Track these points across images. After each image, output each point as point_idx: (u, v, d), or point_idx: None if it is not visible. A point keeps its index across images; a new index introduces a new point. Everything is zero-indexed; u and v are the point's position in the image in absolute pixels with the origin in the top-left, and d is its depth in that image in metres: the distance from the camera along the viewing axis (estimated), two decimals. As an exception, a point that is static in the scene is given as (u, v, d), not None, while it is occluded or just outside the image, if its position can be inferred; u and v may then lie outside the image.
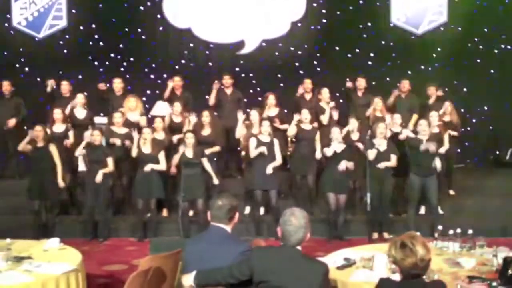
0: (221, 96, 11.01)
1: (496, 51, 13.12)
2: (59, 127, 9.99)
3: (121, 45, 13.09)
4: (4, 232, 8.34)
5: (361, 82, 10.99)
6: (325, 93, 10.59)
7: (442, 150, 9.15)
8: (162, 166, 9.37)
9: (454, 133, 10.20)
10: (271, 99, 10.47)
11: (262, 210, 9.68)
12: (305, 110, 9.89)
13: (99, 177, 9.15)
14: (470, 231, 5.75)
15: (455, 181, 10.86)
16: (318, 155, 9.43)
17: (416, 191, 8.93)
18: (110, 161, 9.29)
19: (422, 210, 9.60)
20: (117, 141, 9.69)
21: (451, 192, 10.39)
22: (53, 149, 9.20)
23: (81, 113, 10.34)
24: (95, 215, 9.39)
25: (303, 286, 3.88)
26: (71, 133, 10.02)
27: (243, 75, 12.73)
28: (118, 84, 10.94)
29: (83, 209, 9.62)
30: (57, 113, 10.00)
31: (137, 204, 9.39)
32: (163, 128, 9.93)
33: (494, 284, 4.48)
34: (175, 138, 10.03)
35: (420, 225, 8.78)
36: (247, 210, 9.86)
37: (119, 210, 10.13)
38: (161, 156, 9.39)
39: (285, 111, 10.83)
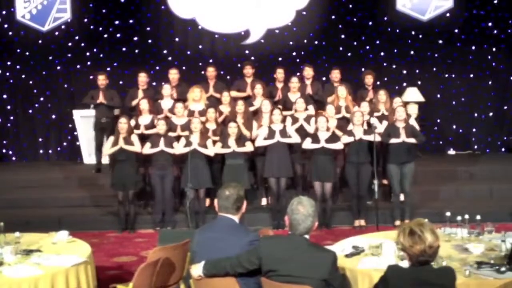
0: (241, 85, 10.90)
1: (502, 36, 13.03)
2: (145, 118, 9.84)
3: (126, 37, 13.08)
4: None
5: (309, 71, 10.72)
6: (294, 81, 10.28)
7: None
8: (209, 151, 9.22)
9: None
10: (258, 88, 10.33)
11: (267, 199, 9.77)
12: (300, 100, 9.83)
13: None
14: (478, 217, 5.72)
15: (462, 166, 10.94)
16: (306, 144, 9.16)
17: (396, 179, 8.97)
18: (176, 145, 9.26)
19: (402, 197, 9.44)
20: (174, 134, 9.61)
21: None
22: (134, 139, 9.19)
23: (167, 104, 10.21)
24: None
25: (312, 275, 3.89)
26: (162, 123, 9.48)
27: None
28: (175, 75, 10.72)
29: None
30: (144, 104, 9.84)
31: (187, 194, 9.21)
32: (215, 118, 9.78)
33: (503, 269, 4.47)
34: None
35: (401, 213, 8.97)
36: (264, 201, 9.89)
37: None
38: (209, 143, 9.26)
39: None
